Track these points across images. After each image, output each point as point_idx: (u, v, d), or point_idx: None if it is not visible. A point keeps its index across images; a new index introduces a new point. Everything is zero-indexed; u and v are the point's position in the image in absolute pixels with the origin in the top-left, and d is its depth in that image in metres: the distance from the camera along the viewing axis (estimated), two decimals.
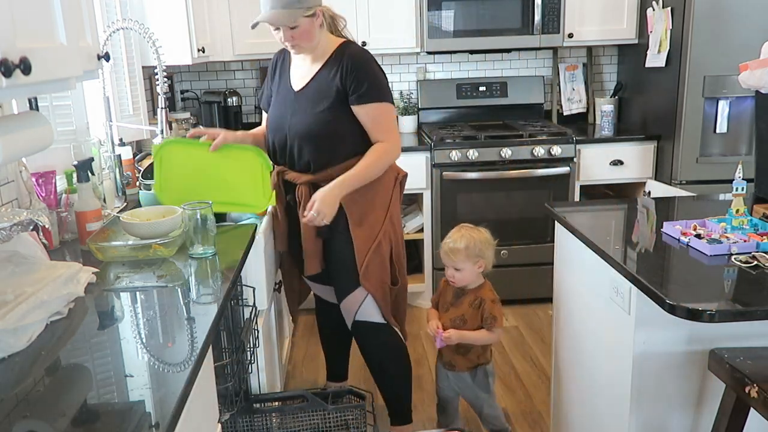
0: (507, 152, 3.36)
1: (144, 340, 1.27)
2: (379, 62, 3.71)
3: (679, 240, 1.77)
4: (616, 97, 3.85)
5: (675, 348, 1.66)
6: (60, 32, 1.28)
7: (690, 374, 1.69)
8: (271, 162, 2.15)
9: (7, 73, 1.04)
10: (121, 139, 2.48)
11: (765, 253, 1.63)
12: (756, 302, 1.41)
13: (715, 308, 1.37)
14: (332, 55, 2.07)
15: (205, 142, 2.06)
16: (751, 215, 1.82)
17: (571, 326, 2.14)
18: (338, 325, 2.35)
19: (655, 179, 3.41)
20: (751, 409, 1.50)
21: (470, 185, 3.41)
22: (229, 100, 3.61)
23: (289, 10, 1.95)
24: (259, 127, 2.34)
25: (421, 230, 3.52)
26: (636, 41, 3.60)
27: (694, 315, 1.38)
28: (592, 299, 1.94)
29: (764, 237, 1.70)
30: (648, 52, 3.43)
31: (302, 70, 2.13)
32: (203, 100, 3.67)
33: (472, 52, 3.82)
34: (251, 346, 1.95)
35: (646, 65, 3.45)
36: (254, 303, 1.97)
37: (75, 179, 1.91)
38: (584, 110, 3.99)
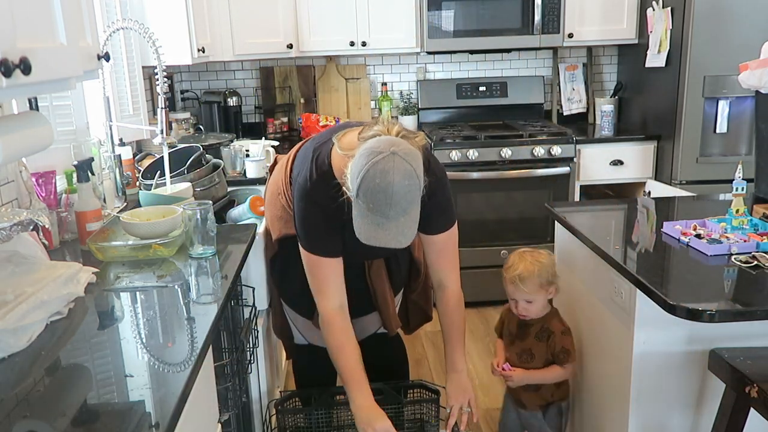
0: (507, 152, 3.36)
1: (144, 340, 1.27)
2: (379, 62, 3.70)
3: (679, 240, 1.77)
4: (616, 97, 3.85)
5: (675, 348, 1.66)
6: (60, 32, 1.28)
7: (690, 374, 1.69)
8: None
9: (7, 73, 1.04)
10: (121, 139, 2.48)
11: (765, 253, 1.63)
12: (756, 302, 1.42)
13: (715, 308, 1.37)
14: None
15: None
16: (751, 215, 1.82)
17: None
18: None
19: (655, 179, 3.40)
20: (751, 409, 1.50)
21: (470, 185, 3.41)
22: (229, 100, 3.61)
23: (413, 213, 1.47)
24: (351, 341, 1.76)
25: None
26: (636, 41, 3.60)
27: (694, 315, 1.38)
28: (592, 299, 1.94)
29: (764, 237, 1.70)
30: (648, 52, 3.43)
31: None
32: (203, 100, 3.67)
33: (472, 52, 3.82)
34: (251, 346, 1.95)
35: (646, 65, 3.45)
36: (254, 303, 1.97)
37: (75, 179, 1.91)
38: (584, 110, 3.99)
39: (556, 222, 2.18)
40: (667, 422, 1.73)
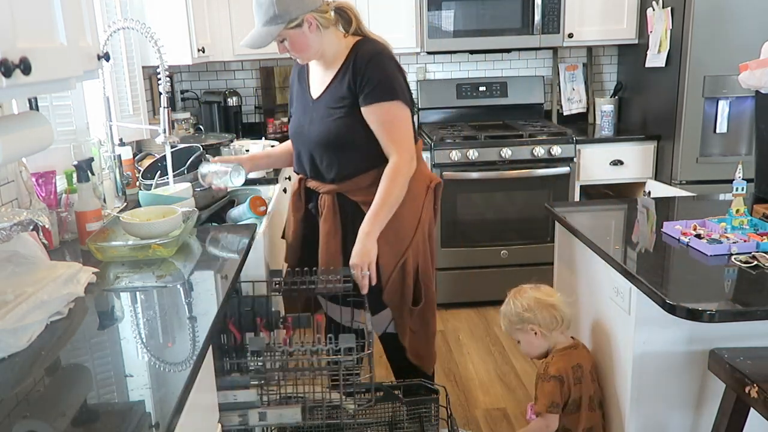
0: (507, 152, 3.36)
1: (144, 340, 1.27)
2: None
3: (679, 240, 1.77)
4: (616, 97, 3.85)
5: (675, 348, 1.66)
6: (60, 32, 1.28)
7: (690, 374, 1.69)
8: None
9: (7, 73, 1.04)
10: (121, 139, 2.48)
11: (765, 253, 1.63)
12: (756, 302, 1.42)
13: (715, 308, 1.38)
14: (346, 58, 1.94)
15: None
16: (751, 215, 1.82)
17: (571, 326, 2.14)
18: None
19: (655, 179, 3.41)
20: (751, 409, 1.50)
21: (470, 185, 3.41)
22: (229, 100, 3.61)
23: (269, 27, 1.85)
24: (280, 144, 2.29)
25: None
26: (636, 41, 3.60)
27: (694, 315, 1.38)
28: (592, 299, 1.94)
29: (764, 237, 1.70)
30: (648, 52, 3.43)
31: (318, 77, 2.02)
32: (203, 100, 3.67)
33: (472, 52, 3.82)
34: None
35: (646, 65, 3.45)
36: (254, 303, 1.97)
37: (75, 179, 1.91)
38: (584, 110, 3.99)
39: (556, 222, 2.18)
40: (667, 422, 1.73)
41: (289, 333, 1.74)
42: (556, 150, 3.36)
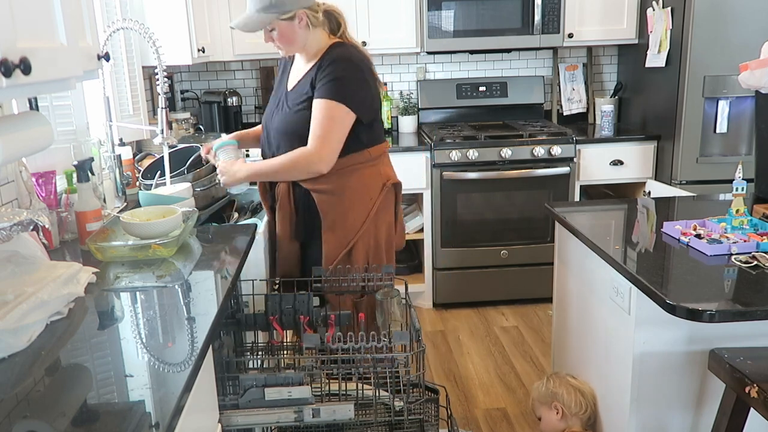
0: (507, 152, 3.36)
1: (144, 340, 1.27)
2: (379, 62, 3.69)
3: (679, 240, 1.77)
4: (616, 97, 3.85)
5: (675, 348, 1.66)
6: (60, 32, 1.28)
7: (690, 374, 1.69)
8: None
9: (7, 73, 1.04)
10: (121, 139, 2.48)
11: (765, 253, 1.63)
12: (756, 302, 1.41)
13: (715, 308, 1.37)
14: (320, 57, 2.02)
15: None
16: (751, 215, 1.82)
17: (571, 326, 2.14)
18: None
19: (655, 179, 3.41)
20: (751, 409, 1.50)
21: (470, 185, 3.41)
22: (229, 100, 3.61)
23: (262, 15, 1.94)
24: (258, 126, 2.35)
25: (421, 230, 3.52)
26: (636, 41, 3.60)
27: (694, 315, 1.38)
28: (592, 299, 1.94)
29: (764, 237, 1.70)
30: (648, 52, 3.43)
31: (298, 69, 2.11)
32: (203, 100, 3.67)
33: (472, 52, 3.83)
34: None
35: (646, 65, 3.45)
36: (254, 302, 1.97)
37: (75, 179, 1.91)
38: (584, 110, 3.99)
39: (556, 222, 2.18)
40: (667, 422, 1.73)
41: (332, 331, 1.76)
42: (556, 150, 3.37)
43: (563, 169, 3.40)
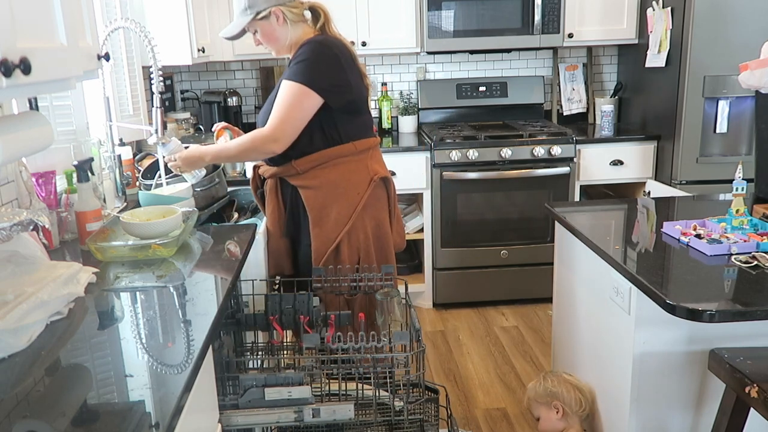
0: (507, 152, 3.36)
1: (144, 340, 1.27)
2: (379, 62, 3.69)
3: (679, 240, 1.77)
4: (616, 97, 3.85)
5: (675, 348, 1.66)
6: (60, 32, 1.28)
7: (690, 374, 1.69)
8: None
9: (7, 73, 1.04)
10: (121, 139, 2.48)
11: (765, 253, 1.63)
12: (756, 302, 1.41)
13: (715, 308, 1.37)
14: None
15: None
16: (751, 215, 1.82)
17: (571, 326, 2.14)
18: None
19: (655, 179, 3.41)
20: (751, 409, 1.50)
21: (470, 185, 3.41)
22: (229, 100, 3.61)
23: (241, 18, 2.01)
24: None
25: (421, 230, 3.52)
26: (636, 41, 3.60)
27: (694, 315, 1.38)
28: (592, 299, 1.94)
29: (764, 237, 1.70)
30: (648, 52, 3.43)
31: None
32: (203, 100, 3.67)
33: (472, 52, 3.83)
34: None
35: (646, 65, 3.45)
36: (254, 302, 1.97)
37: (75, 179, 1.91)
38: (584, 110, 3.99)
39: (556, 222, 2.18)
40: (667, 422, 1.73)
41: (332, 331, 1.76)
42: (556, 150, 3.37)
43: (563, 169, 3.40)
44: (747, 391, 1.43)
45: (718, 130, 3.21)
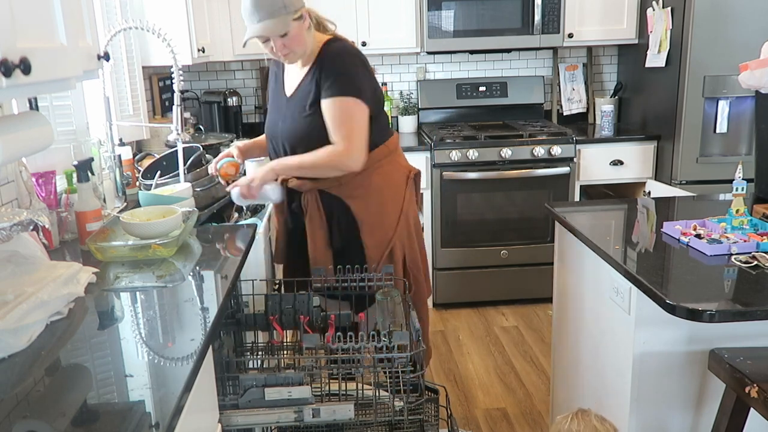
0: (507, 152, 3.36)
1: (144, 340, 1.27)
2: (379, 62, 3.69)
3: (679, 240, 1.77)
4: (616, 97, 3.85)
5: (675, 348, 1.66)
6: (60, 32, 1.28)
7: (690, 374, 1.69)
8: None
9: (7, 73, 1.04)
10: (121, 139, 2.48)
11: (765, 253, 1.63)
12: (756, 302, 1.41)
13: (715, 308, 1.37)
14: (317, 57, 1.99)
15: None
16: (751, 215, 1.82)
17: (571, 326, 2.14)
18: None
19: (655, 179, 3.41)
20: (751, 409, 1.50)
21: (470, 185, 3.41)
22: (229, 100, 3.61)
23: (277, 19, 1.87)
24: (262, 135, 2.29)
25: (421, 230, 3.52)
26: (636, 41, 3.60)
27: (694, 315, 1.38)
28: (592, 299, 1.94)
29: (764, 237, 1.70)
30: (648, 52, 3.43)
31: (293, 75, 2.07)
32: (203, 100, 3.67)
33: (472, 52, 3.83)
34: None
35: (646, 65, 3.45)
36: (254, 302, 1.97)
37: (75, 179, 1.91)
38: (584, 110, 3.99)
39: (556, 222, 2.18)
40: (667, 422, 1.73)
41: (332, 331, 1.76)
42: (556, 150, 3.37)
43: (563, 169, 3.40)
44: (747, 391, 1.43)
45: (718, 130, 3.21)
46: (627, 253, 1.73)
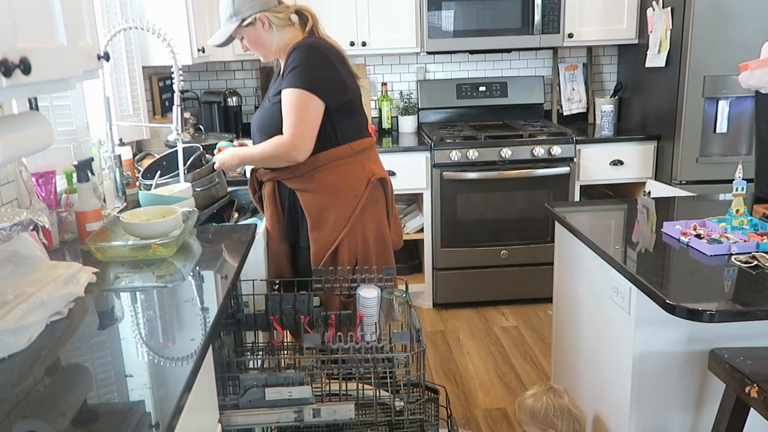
0: (507, 152, 3.36)
1: (144, 340, 1.27)
2: (379, 62, 3.69)
3: (679, 240, 1.77)
4: (616, 97, 3.85)
5: (675, 348, 1.66)
6: (60, 32, 1.28)
7: (690, 374, 1.69)
8: None
9: (7, 73, 1.04)
10: (121, 139, 2.48)
11: (765, 253, 1.63)
12: (756, 302, 1.41)
13: (715, 308, 1.37)
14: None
15: None
16: (751, 215, 1.82)
17: (571, 326, 2.14)
18: None
19: (655, 179, 3.41)
20: (751, 409, 1.50)
21: (470, 185, 3.41)
22: (229, 100, 3.61)
23: (226, 26, 2.02)
24: None
25: (421, 230, 3.52)
26: (636, 41, 3.60)
27: (694, 315, 1.38)
28: (592, 299, 1.94)
29: (764, 237, 1.70)
30: (648, 52, 3.43)
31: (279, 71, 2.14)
32: (203, 100, 3.67)
33: (472, 52, 3.83)
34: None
35: (646, 65, 3.45)
36: (254, 302, 1.97)
37: (75, 179, 1.91)
38: (584, 110, 3.99)
39: (556, 222, 2.18)
40: (667, 422, 1.73)
41: (333, 331, 1.76)
42: (556, 150, 3.37)
43: (563, 169, 3.40)
44: (747, 391, 1.43)
45: (718, 130, 3.21)
46: (627, 253, 1.73)
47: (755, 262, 1.58)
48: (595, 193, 3.79)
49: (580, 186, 3.51)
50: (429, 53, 3.72)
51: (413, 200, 3.79)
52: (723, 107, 3.17)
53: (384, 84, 3.87)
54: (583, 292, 2.01)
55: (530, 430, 1.94)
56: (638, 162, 3.47)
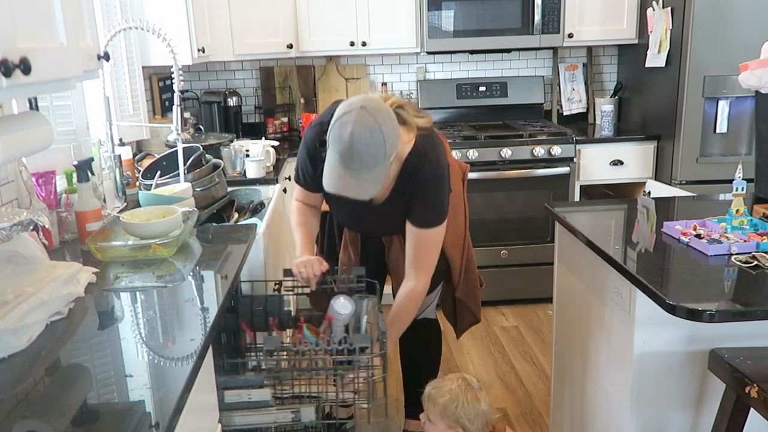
0: (507, 152, 3.36)
1: (144, 340, 1.27)
2: (379, 62, 3.70)
3: (679, 240, 1.77)
4: (616, 97, 3.85)
5: (675, 348, 1.66)
6: (60, 32, 1.28)
7: (690, 374, 1.69)
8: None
9: (7, 73, 1.04)
10: (121, 139, 2.48)
11: (765, 253, 1.63)
12: (756, 302, 1.41)
13: (715, 308, 1.37)
14: (402, 172, 1.79)
15: None
16: (751, 215, 1.82)
17: (571, 326, 2.14)
18: None
19: (655, 179, 3.41)
20: (751, 409, 1.50)
21: (470, 185, 3.39)
22: (229, 100, 3.60)
23: (376, 170, 1.59)
24: (306, 226, 2.02)
25: None
26: (636, 41, 3.60)
27: (694, 315, 1.38)
28: (592, 299, 1.94)
29: (764, 237, 1.70)
30: (648, 52, 3.43)
31: None
32: (203, 100, 3.67)
33: (472, 52, 3.82)
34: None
35: (646, 65, 3.45)
36: (266, 302, 1.96)
37: (75, 179, 1.91)
38: (584, 110, 3.99)
39: (556, 222, 2.18)
40: (667, 422, 1.73)
41: (301, 332, 1.75)
42: (556, 150, 3.37)
43: (563, 169, 3.40)
44: (747, 391, 1.43)
45: (718, 130, 3.21)
46: (627, 253, 1.73)
47: (755, 262, 1.58)
48: (595, 193, 3.79)
49: (580, 186, 3.50)
50: (429, 53, 3.72)
51: None
52: (723, 107, 3.17)
53: (384, 84, 3.87)
54: (583, 292, 2.01)
55: (437, 423, 1.77)
56: (638, 162, 3.47)
